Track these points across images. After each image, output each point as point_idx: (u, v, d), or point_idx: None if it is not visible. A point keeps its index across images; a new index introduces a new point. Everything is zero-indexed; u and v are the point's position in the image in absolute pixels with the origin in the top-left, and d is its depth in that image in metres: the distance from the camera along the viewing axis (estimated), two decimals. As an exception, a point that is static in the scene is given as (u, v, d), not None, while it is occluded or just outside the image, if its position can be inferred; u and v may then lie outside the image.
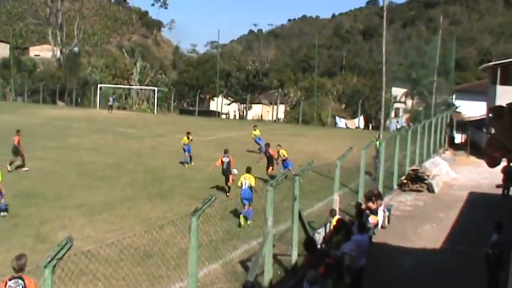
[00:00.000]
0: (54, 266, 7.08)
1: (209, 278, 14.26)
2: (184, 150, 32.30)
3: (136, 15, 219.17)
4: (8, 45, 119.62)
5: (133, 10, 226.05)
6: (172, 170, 30.07)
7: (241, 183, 20.50)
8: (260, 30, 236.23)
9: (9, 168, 27.98)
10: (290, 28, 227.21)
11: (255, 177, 21.20)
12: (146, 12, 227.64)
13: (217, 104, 78.99)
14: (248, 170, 21.42)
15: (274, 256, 14.45)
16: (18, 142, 29.38)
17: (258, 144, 35.61)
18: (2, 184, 20.72)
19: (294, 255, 15.01)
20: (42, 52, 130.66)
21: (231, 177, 24.59)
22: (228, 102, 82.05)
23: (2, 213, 20.31)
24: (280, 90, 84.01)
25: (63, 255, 7.12)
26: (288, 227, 16.82)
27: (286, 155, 28.60)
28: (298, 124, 65.21)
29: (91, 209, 21.36)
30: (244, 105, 77.96)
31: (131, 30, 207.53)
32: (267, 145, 29.34)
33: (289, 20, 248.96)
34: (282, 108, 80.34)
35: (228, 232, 17.85)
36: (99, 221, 19.75)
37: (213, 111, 78.86)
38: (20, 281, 9.80)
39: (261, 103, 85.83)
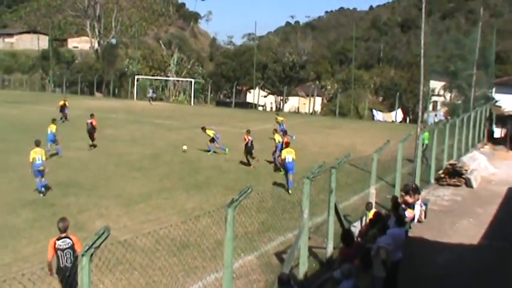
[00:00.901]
0: (92, 255, 7.17)
1: (244, 269, 14.28)
2: (214, 141, 33.26)
3: (173, 7, 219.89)
4: (47, 37, 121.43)
5: (171, 2, 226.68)
6: (209, 162, 30.19)
7: (285, 157, 24.25)
8: (297, 22, 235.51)
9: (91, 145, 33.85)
10: (327, 20, 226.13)
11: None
12: (183, 4, 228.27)
13: (254, 96, 79.00)
14: (287, 145, 25.57)
15: (310, 249, 14.41)
16: (94, 124, 34.32)
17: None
18: (46, 163, 22.51)
19: (330, 248, 14.98)
20: (80, 44, 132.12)
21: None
22: (265, 94, 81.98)
23: (41, 194, 21.88)
24: (317, 82, 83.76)
25: (101, 244, 7.20)
26: (323, 220, 16.77)
27: (279, 140, 29.59)
28: (335, 117, 64.94)
29: (128, 199, 21.56)
30: (281, 98, 77.82)
31: (168, 22, 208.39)
32: (285, 132, 31.13)
33: (327, 12, 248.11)
34: (318, 100, 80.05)
35: (263, 224, 17.84)
36: (135, 211, 19.92)
37: (249, 103, 78.85)
38: (67, 239, 11.71)
39: (298, 95, 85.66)
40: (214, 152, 32.92)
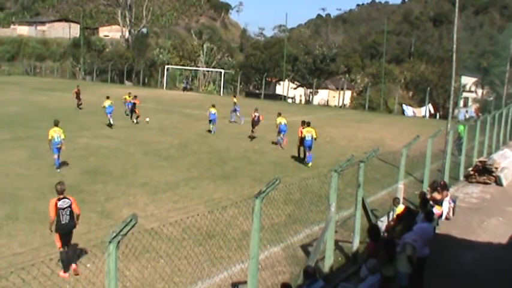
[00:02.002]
0: (119, 242, 7.20)
1: (270, 260, 14.29)
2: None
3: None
4: (78, 26, 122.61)
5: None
6: (237, 152, 30.21)
7: (305, 135, 27.35)
8: (328, 15, 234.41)
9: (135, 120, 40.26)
10: (358, 13, 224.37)
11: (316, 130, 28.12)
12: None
13: (284, 87, 78.86)
14: (308, 124, 28.16)
15: (336, 242, 14.36)
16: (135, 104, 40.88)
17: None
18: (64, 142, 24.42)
19: (356, 243, 14.90)
20: (111, 33, 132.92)
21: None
22: (295, 86, 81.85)
23: (58, 170, 23.85)
24: (347, 75, 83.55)
25: (128, 231, 7.22)
26: (350, 214, 16.71)
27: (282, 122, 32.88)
28: (364, 110, 64.66)
29: (155, 188, 21.65)
30: (311, 90, 77.58)
31: (199, 12, 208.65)
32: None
33: (358, 5, 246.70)
34: (348, 94, 79.60)
35: (290, 216, 17.82)
36: (162, 200, 20.00)
37: (279, 95, 78.70)
38: (66, 199, 13.46)
39: (328, 88, 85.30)
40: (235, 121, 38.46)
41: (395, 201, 16.72)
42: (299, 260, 14.59)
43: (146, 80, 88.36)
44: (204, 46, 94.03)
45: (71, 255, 13.29)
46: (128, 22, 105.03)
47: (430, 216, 13.80)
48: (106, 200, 19.70)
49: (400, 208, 16.20)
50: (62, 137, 24.19)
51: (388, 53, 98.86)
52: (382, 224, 16.66)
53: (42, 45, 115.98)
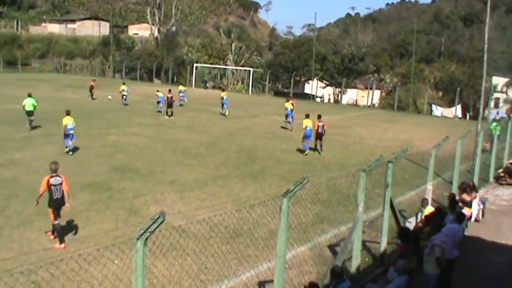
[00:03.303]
0: (146, 239, 7.23)
1: (297, 260, 14.26)
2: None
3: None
4: (108, 24, 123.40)
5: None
6: (265, 151, 30.19)
7: (306, 126, 29.73)
8: (357, 14, 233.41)
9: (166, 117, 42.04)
10: (388, 12, 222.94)
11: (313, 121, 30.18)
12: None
13: (312, 87, 78.68)
14: (307, 116, 30.45)
15: (363, 242, 14.30)
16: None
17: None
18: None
19: (383, 243, 14.82)
20: (140, 31, 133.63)
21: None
22: (323, 85, 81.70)
23: (70, 152, 26.93)
24: (376, 75, 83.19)
25: (155, 228, 7.25)
26: (378, 214, 16.63)
27: (288, 107, 38.58)
28: (393, 110, 64.26)
29: (183, 186, 21.72)
30: (339, 89, 77.31)
31: (228, 11, 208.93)
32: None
33: (388, 4, 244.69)
34: (377, 93, 79.26)
35: (317, 215, 17.78)
36: (190, 198, 20.05)
37: (307, 94, 78.54)
38: (58, 177, 15.02)
39: (356, 88, 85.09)
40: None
41: (424, 202, 16.60)
42: (326, 259, 14.55)
43: (175, 78, 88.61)
44: (233, 45, 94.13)
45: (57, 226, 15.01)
46: (157, 20, 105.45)
47: (459, 218, 13.66)
48: (134, 197, 19.81)
49: (429, 209, 16.08)
50: (73, 124, 27.55)
51: (418, 52, 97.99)
52: (410, 224, 16.57)
53: (72, 43, 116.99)
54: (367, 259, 14.82)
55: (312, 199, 17.56)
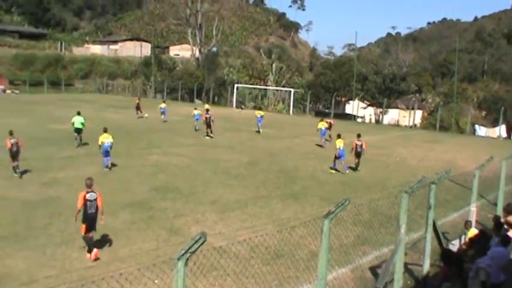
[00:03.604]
0: (187, 259, 7.22)
1: (338, 282, 14.11)
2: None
3: (273, 17, 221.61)
4: (149, 45, 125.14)
5: (271, 11, 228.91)
6: (306, 172, 30.08)
7: (339, 146, 30.03)
8: (398, 33, 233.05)
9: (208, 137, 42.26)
10: (429, 31, 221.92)
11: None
12: (284, 14, 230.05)
13: (353, 107, 78.38)
14: (339, 136, 31.02)
15: (405, 265, 14.10)
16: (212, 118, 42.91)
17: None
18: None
19: (426, 266, 14.59)
20: (181, 51, 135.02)
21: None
22: (364, 105, 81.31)
23: (106, 169, 28.00)
24: (417, 95, 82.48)
25: (196, 249, 7.24)
26: (421, 236, 16.38)
27: (322, 127, 40.46)
28: (435, 130, 63.48)
29: (224, 206, 21.71)
30: (381, 110, 76.83)
31: (269, 32, 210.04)
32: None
33: (429, 23, 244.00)
34: (419, 113, 78.59)
35: (359, 237, 17.61)
36: (231, 218, 20.03)
37: (348, 114, 78.25)
38: (93, 193, 15.45)
39: (398, 108, 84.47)
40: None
41: (467, 225, 16.31)
42: (367, 281, 14.39)
43: (216, 99, 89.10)
44: (274, 65, 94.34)
45: (93, 240, 15.53)
46: (198, 41, 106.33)
47: (505, 240, 13.36)
48: (175, 217, 19.86)
49: (473, 231, 15.80)
50: (111, 141, 28.50)
51: (460, 71, 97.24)
52: (454, 247, 16.28)
53: (114, 64, 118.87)
54: (409, 282, 14.61)
55: (353, 220, 17.40)
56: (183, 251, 7.18)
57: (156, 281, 11.51)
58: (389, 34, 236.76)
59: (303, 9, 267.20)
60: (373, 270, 15.18)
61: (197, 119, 46.99)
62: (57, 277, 13.43)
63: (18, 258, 15.02)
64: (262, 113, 49.31)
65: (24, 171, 26.19)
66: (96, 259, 15.13)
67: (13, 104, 69.91)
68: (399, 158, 36.16)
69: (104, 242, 16.51)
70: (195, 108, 49.57)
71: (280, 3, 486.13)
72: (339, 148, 30.16)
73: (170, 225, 18.72)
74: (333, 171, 30.52)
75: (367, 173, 30.08)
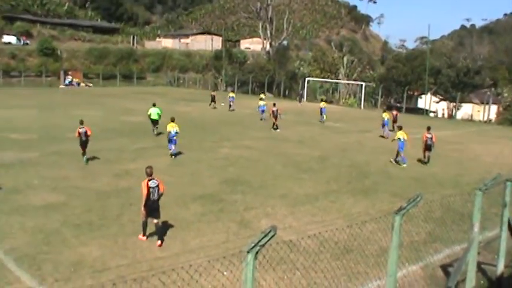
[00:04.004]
0: (257, 252, 7.22)
1: (408, 279, 13.91)
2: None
3: (345, 10, 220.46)
4: (220, 38, 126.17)
5: (342, 4, 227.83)
6: (377, 166, 29.77)
7: (399, 138, 30.48)
8: (473, 26, 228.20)
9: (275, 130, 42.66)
10: (506, 23, 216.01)
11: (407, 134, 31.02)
12: (355, 7, 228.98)
13: (426, 101, 77.08)
14: (400, 128, 31.66)
15: (478, 264, 13.78)
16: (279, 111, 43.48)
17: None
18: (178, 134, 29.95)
19: (500, 266, 14.23)
20: (252, 45, 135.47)
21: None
22: (437, 100, 79.88)
23: (172, 157, 29.59)
24: (493, 89, 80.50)
25: (266, 242, 7.24)
26: (495, 235, 15.98)
27: (385, 117, 42.35)
28: None
29: (294, 200, 21.68)
30: (454, 104, 75.33)
31: (340, 25, 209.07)
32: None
33: (505, 14, 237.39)
34: (494, 108, 76.72)
35: (430, 234, 17.31)
36: (301, 212, 19.97)
37: (420, 108, 77.02)
38: (155, 180, 16.04)
39: (472, 102, 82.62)
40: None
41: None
42: (438, 280, 14.15)
43: (287, 92, 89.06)
44: (345, 58, 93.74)
45: (160, 228, 16.34)
46: (269, 35, 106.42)
47: None
48: (245, 210, 19.94)
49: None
50: (177, 130, 29.71)
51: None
52: (531, 247, 15.85)
53: (186, 57, 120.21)
54: (482, 282, 14.29)
55: (424, 217, 17.14)
56: (253, 244, 7.19)
57: (225, 273, 11.57)
58: (463, 26, 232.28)
59: (374, 2, 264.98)
60: (445, 268, 14.91)
61: (262, 111, 49.98)
62: (128, 266, 13.69)
63: (92, 246, 15.38)
64: (325, 104, 52.56)
65: (92, 158, 27.91)
66: (160, 245, 15.84)
67: (87, 97, 71.67)
68: (473, 154, 35.39)
69: (174, 233, 16.72)
70: (261, 99, 53.21)
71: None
72: (399, 139, 30.46)
73: (240, 218, 18.81)
74: (405, 165, 30.38)
75: (440, 169, 29.55)
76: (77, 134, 27.41)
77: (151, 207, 15.95)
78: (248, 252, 7.17)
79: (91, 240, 15.83)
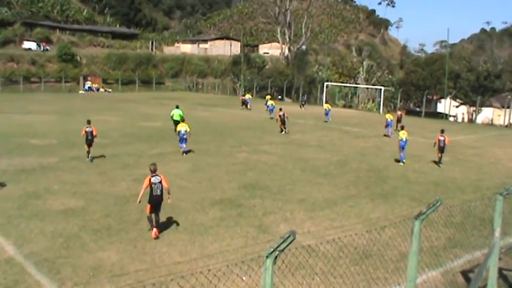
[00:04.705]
0: (276, 257, 7.19)
1: (428, 285, 13.81)
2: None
3: (363, 14, 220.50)
4: (239, 43, 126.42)
5: (360, 9, 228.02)
6: (396, 171, 29.61)
7: (401, 138, 31.64)
8: (493, 29, 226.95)
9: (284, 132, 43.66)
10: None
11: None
12: (373, 11, 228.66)
13: (445, 105, 76.68)
14: (402, 128, 33.43)
15: (500, 270, 13.63)
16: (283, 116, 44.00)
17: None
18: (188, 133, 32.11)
19: (522, 271, 14.11)
20: (270, 50, 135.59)
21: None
22: (457, 104, 79.44)
23: (184, 154, 31.76)
24: (513, 93, 79.77)
25: (285, 247, 7.20)
26: (517, 241, 15.87)
27: (388, 118, 45.09)
28: (532, 130, 61.35)
29: (313, 205, 21.60)
30: (474, 108, 74.86)
31: (358, 29, 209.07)
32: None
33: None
34: (514, 112, 76.10)
35: (450, 240, 17.18)
36: (320, 217, 19.90)
37: (440, 113, 76.69)
38: (158, 177, 16.80)
39: (492, 106, 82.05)
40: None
41: None
42: (459, 286, 14.02)
43: (306, 97, 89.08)
44: (364, 63, 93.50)
45: (158, 220, 17.04)
46: (287, 39, 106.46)
47: None
48: (264, 214, 19.90)
49: None
50: (186, 129, 31.90)
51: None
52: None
53: (204, 63, 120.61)
54: None
55: (444, 222, 17.03)
56: (272, 249, 7.16)
57: (244, 278, 11.57)
58: (483, 30, 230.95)
59: (393, 6, 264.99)
60: (465, 274, 14.78)
61: (271, 110, 55.31)
62: (147, 271, 13.71)
63: (110, 250, 15.42)
64: (329, 106, 57.51)
65: (111, 163, 28.21)
66: (157, 237, 16.53)
67: (106, 102, 72.08)
68: (493, 159, 35.10)
69: (193, 238, 16.73)
70: (271, 98, 61.69)
71: (370, 0, 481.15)
72: (401, 140, 31.65)
73: (259, 223, 18.78)
74: (404, 162, 31.53)
75: (460, 174, 29.37)
76: (83, 132, 29.02)
77: (155, 203, 16.76)
78: (267, 257, 7.14)
79: (110, 245, 15.87)
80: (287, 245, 7.16)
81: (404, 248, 13.57)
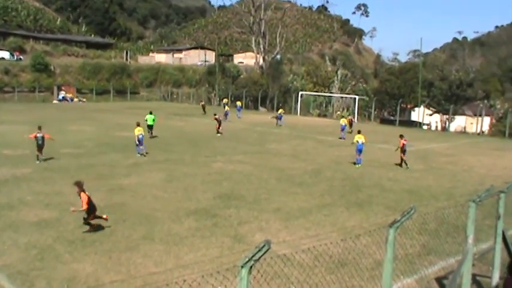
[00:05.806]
0: (251, 267, 7.19)
1: (403, 292, 13.91)
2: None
3: (337, 24, 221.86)
4: (213, 53, 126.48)
5: (335, 18, 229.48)
6: (371, 180, 29.76)
7: (357, 141, 33.57)
8: (465, 38, 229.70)
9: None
10: (497, 35, 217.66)
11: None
12: (347, 21, 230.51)
13: (419, 114, 77.29)
14: (359, 132, 34.80)
15: (473, 276, 13.75)
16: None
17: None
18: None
19: (495, 278, 14.21)
20: (245, 59, 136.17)
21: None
22: (430, 112, 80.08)
23: (141, 155, 34.11)
24: (485, 101, 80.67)
25: (260, 257, 7.21)
26: (489, 247, 15.97)
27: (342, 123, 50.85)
28: (505, 138, 61.81)
29: (288, 214, 21.61)
30: (447, 116, 75.52)
31: (332, 38, 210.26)
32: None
33: (497, 26, 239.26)
34: (487, 120, 76.86)
35: (424, 247, 17.29)
36: (295, 226, 19.92)
37: (414, 121, 77.18)
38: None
39: (465, 114, 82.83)
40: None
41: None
42: (434, 292, 14.11)
43: (280, 106, 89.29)
44: (338, 72, 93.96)
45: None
46: (262, 49, 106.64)
47: None
48: (239, 224, 19.88)
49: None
50: (143, 133, 34.68)
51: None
52: (525, 258, 15.83)
53: (179, 72, 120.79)
54: (477, 293, 14.28)
55: (418, 229, 17.13)
56: (247, 259, 7.16)
57: (219, 288, 11.55)
58: (455, 39, 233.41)
59: (367, 16, 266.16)
60: (440, 281, 14.88)
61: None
62: (122, 282, 13.63)
63: (85, 262, 15.29)
64: (282, 110, 64.03)
65: (85, 174, 27.00)
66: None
67: (80, 112, 71.68)
68: (466, 166, 35.43)
69: (168, 248, 16.67)
70: (225, 104, 72.02)
71: (344, 10, 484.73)
72: (357, 142, 33.69)
73: (234, 233, 18.75)
74: (360, 165, 33.50)
75: (434, 182, 29.59)
76: (33, 136, 31.11)
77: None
78: (242, 267, 7.14)
79: (84, 256, 15.75)
80: (262, 255, 7.16)
81: (379, 256, 13.65)
